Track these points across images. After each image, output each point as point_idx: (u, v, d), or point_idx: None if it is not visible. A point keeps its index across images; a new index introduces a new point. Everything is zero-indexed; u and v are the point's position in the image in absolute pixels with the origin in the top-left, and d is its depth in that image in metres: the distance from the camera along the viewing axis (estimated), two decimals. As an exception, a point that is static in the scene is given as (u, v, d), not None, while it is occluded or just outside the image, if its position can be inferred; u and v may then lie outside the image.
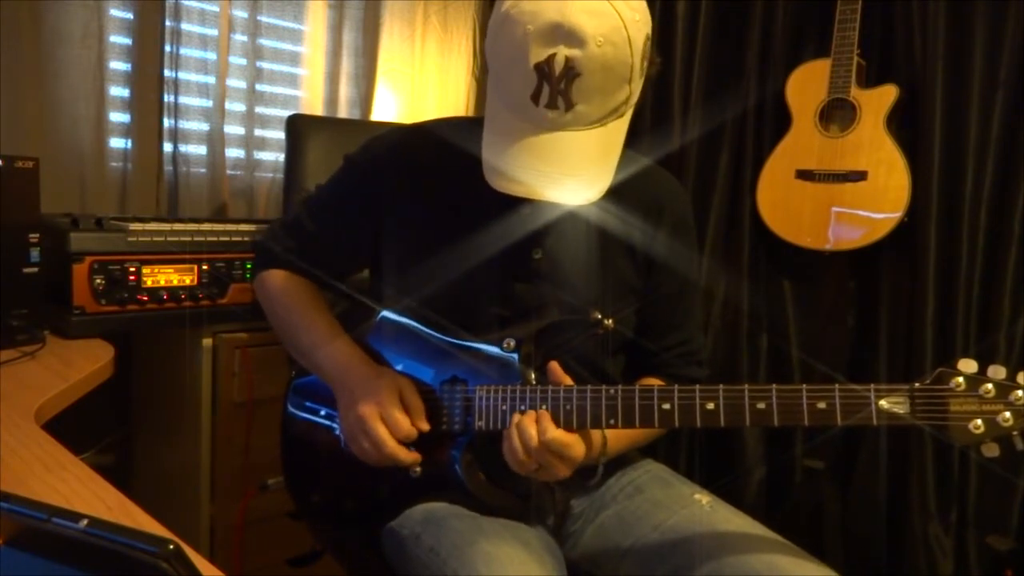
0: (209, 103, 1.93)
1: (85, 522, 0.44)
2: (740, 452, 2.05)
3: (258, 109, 2.04)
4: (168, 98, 1.87)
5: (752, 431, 2.03)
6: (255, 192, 2.04)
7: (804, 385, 0.88)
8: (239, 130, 2.01)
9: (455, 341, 1.04)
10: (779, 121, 1.99)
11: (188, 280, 1.51)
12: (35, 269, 1.32)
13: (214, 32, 1.92)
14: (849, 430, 1.90)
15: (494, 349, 1.02)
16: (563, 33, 0.86)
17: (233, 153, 2.00)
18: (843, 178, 1.85)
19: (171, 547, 0.42)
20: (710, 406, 0.90)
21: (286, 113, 1.82)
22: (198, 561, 0.59)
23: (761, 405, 0.89)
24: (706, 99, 2.11)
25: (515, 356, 1.00)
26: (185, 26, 1.87)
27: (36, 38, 1.68)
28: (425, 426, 1.00)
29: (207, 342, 1.55)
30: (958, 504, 1.80)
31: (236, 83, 1.99)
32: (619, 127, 0.95)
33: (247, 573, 1.62)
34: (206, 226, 1.57)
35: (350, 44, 2.19)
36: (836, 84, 1.86)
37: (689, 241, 1.16)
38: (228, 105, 1.96)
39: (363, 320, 1.12)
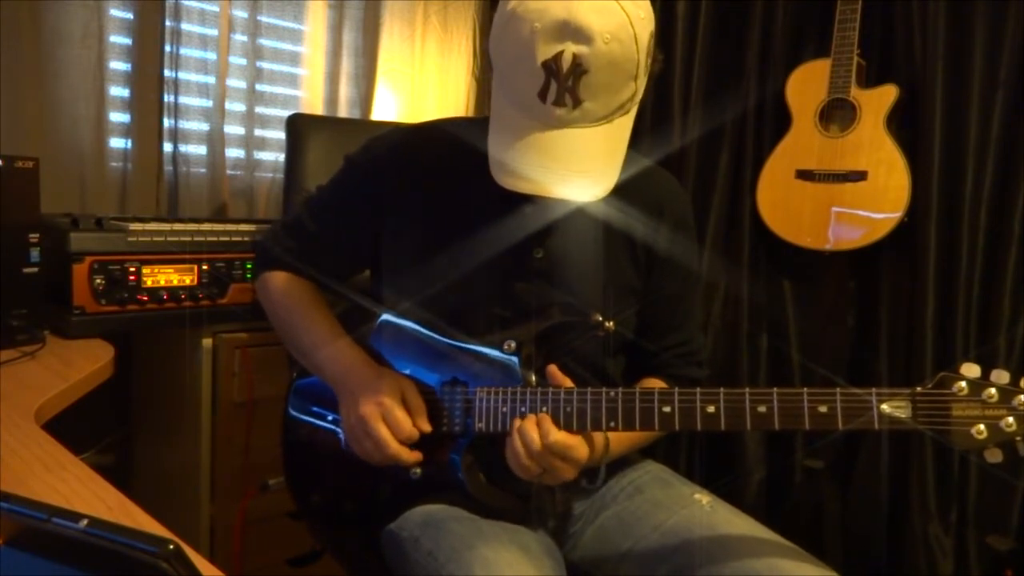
0: (209, 103, 1.93)
1: (85, 522, 0.44)
2: (740, 452, 2.04)
3: (258, 109, 2.04)
4: (168, 98, 1.87)
5: (752, 432, 2.03)
6: (255, 192, 2.04)
7: (805, 389, 0.88)
8: (239, 130, 2.01)
9: (455, 343, 1.04)
10: (779, 121, 1.99)
11: (188, 280, 1.51)
12: (35, 269, 1.32)
13: (214, 32, 1.92)
14: (849, 430, 1.89)
15: (494, 351, 1.01)
16: (570, 30, 0.87)
17: (233, 153, 2.00)
18: (843, 178, 1.85)
19: (171, 547, 0.42)
20: (711, 409, 0.90)
21: (286, 113, 1.82)
22: (198, 561, 0.59)
23: (762, 408, 0.89)
24: (706, 99, 2.11)
25: (515, 358, 1.00)
26: (185, 26, 1.87)
27: (36, 38, 1.68)
28: (427, 427, 1.00)
29: (207, 342, 1.55)
30: (958, 504, 1.80)
31: (236, 83, 1.99)
32: (625, 124, 0.96)
33: (247, 573, 1.62)
34: (206, 226, 1.57)
35: (350, 44, 2.19)
36: (836, 84, 1.85)
37: (689, 241, 1.16)
38: (228, 105, 1.96)
39: (364, 320, 1.12)
